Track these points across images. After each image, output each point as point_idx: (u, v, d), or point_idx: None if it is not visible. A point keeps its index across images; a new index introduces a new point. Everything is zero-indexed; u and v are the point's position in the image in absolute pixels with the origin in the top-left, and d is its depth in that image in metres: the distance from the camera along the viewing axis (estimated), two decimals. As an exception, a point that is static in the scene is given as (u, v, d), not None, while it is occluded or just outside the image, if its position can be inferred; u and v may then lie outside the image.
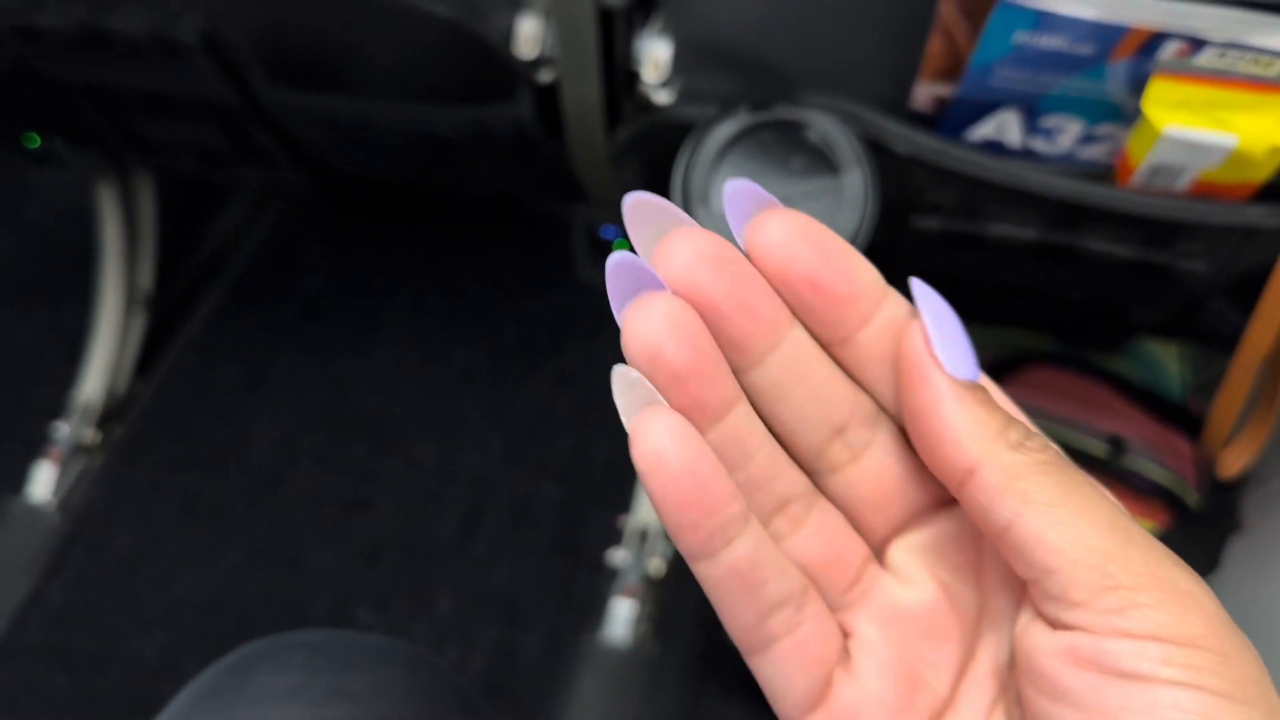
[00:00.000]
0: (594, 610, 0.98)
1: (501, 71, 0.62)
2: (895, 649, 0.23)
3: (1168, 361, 0.94)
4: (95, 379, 1.09)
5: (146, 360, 1.14)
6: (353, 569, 1.02)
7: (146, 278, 1.13)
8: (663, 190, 0.59)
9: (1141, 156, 0.50)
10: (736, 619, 0.22)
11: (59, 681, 0.96)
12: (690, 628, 0.96)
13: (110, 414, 1.10)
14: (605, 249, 0.84)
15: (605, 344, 1.17)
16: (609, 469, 1.08)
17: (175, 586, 1.01)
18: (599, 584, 1.00)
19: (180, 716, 0.38)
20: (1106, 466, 0.82)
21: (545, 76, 0.62)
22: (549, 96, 0.63)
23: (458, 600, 1.00)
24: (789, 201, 0.54)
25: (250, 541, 1.04)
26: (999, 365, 0.94)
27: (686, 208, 0.54)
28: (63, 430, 1.07)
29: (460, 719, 0.41)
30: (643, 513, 1.00)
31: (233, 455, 1.10)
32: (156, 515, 1.06)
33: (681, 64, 0.59)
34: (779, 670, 0.23)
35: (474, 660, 0.96)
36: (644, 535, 0.99)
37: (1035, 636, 0.21)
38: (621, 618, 0.96)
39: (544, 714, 0.93)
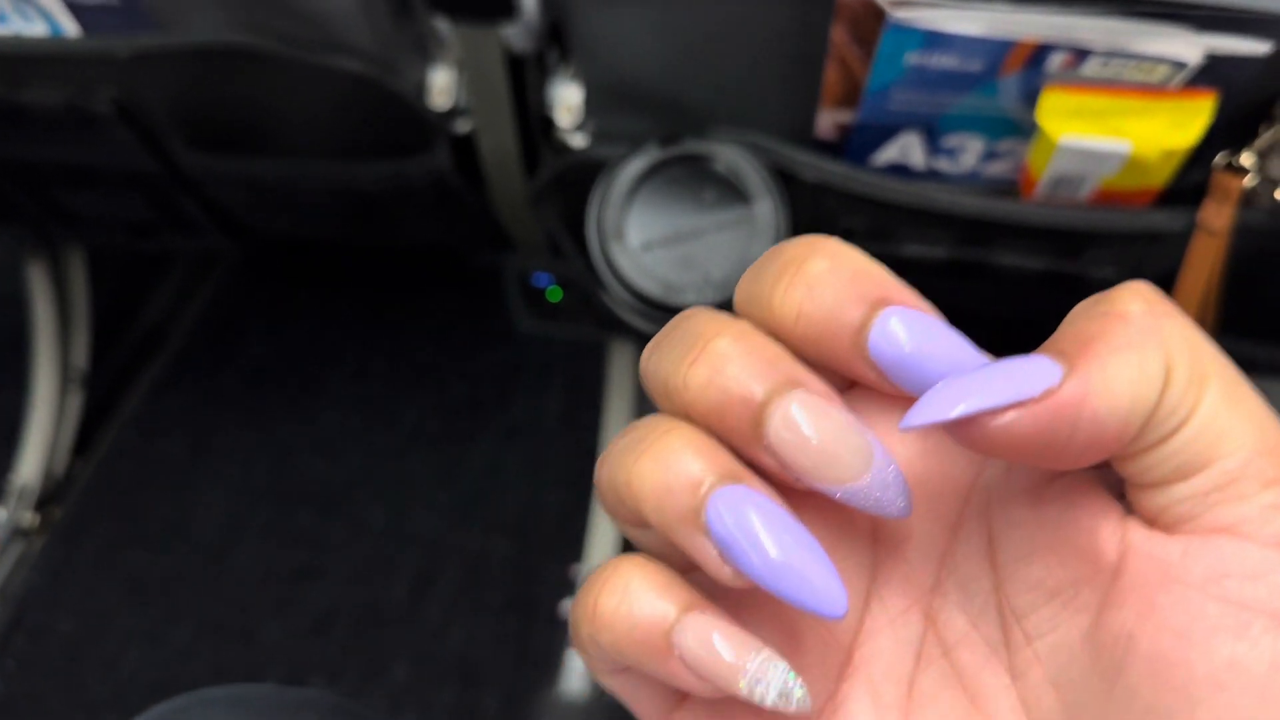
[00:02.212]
0: (551, 664, 0.97)
1: (417, 124, 0.62)
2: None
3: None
4: (32, 461, 1.07)
5: (85, 439, 1.13)
6: (304, 639, 1.00)
7: (81, 355, 1.12)
8: (579, 226, 0.60)
9: (1042, 169, 0.51)
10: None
11: (3, 775, 0.93)
12: (649, 675, 0.95)
13: (49, 495, 1.08)
14: (539, 297, 0.84)
15: (552, 396, 1.17)
16: (561, 520, 1.07)
17: (123, 668, 0.99)
18: (555, 638, 0.99)
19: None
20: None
21: (461, 127, 0.63)
22: (466, 146, 0.64)
23: (412, 665, 0.99)
24: (702, 233, 0.55)
25: (198, 617, 1.02)
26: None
27: (601, 245, 0.55)
28: (0, 515, 1.05)
29: None
30: (595, 560, 1.00)
31: (178, 531, 1.08)
32: (101, 596, 1.03)
33: (593, 106, 0.60)
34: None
35: (431, 724, 0.95)
36: (598, 584, 0.98)
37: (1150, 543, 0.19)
38: (578, 670, 0.95)
39: (505, 774, 0.91)
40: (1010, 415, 0.17)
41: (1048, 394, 0.17)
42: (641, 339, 0.84)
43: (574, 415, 1.14)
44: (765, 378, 0.19)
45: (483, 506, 1.09)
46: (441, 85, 0.61)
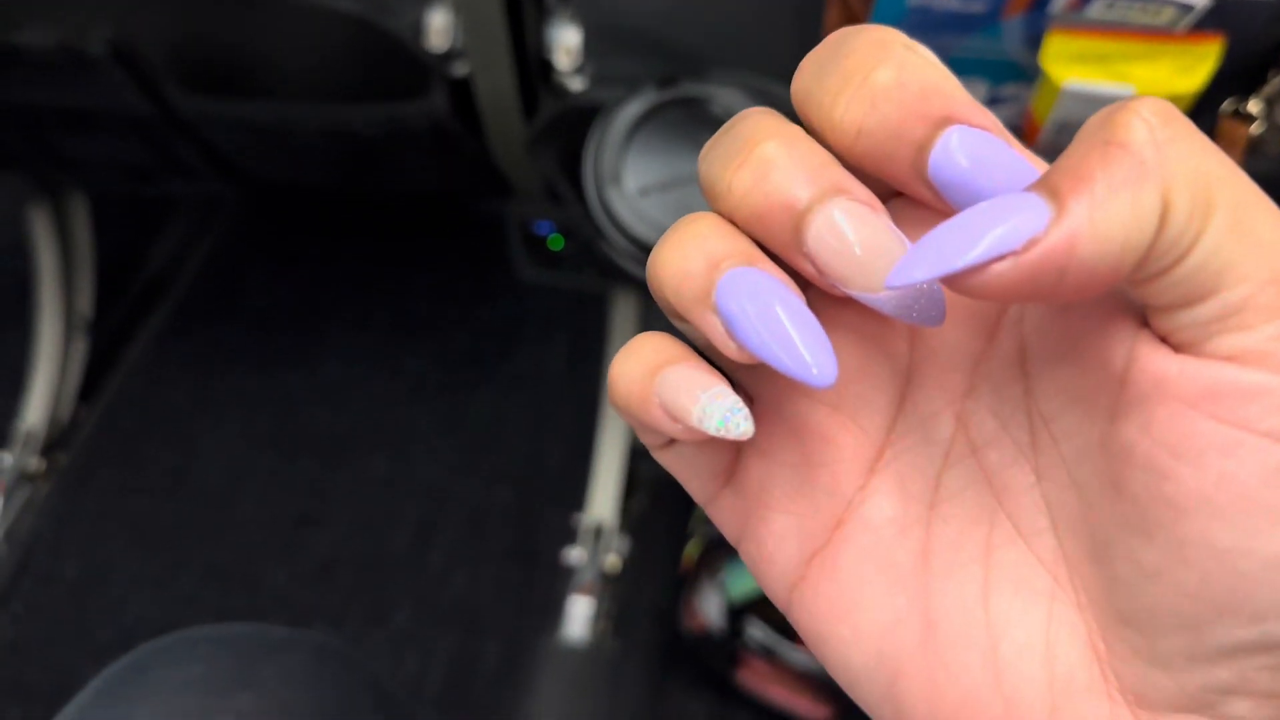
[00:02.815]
0: (552, 612, 0.98)
1: (414, 66, 0.61)
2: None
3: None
4: (38, 407, 1.07)
5: (90, 386, 1.13)
6: (307, 585, 1.01)
7: (85, 302, 1.12)
8: (578, 172, 0.59)
9: (1046, 114, 0.51)
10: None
11: (12, 716, 0.94)
12: (649, 623, 0.96)
13: (55, 442, 1.08)
14: (540, 245, 0.84)
15: (555, 347, 1.17)
16: (563, 470, 1.08)
17: (128, 614, 1.00)
18: (556, 585, 0.99)
19: (77, 713, 0.37)
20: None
21: (459, 69, 0.62)
22: (464, 90, 0.63)
23: (414, 611, 0.99)
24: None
25: (203, 564, 1.03)
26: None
27: (598, 190, 0.54)
28: (6, 460, 1.05)
29: (369, 704, 0.40)
30: (597, 509, 1.00)
31: (182, 478, 1.09)
32: (106, 542, 1.04)
33: (592, 49, 0.59)
34: None
35: (433, 670, 0.96)
36: (599, 532, 0.98)
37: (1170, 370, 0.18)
38: (579, 617, 0.96)
39: (505, 718, 0.92)
40: (994, 269, 0.17)
41: (1031, 243, 0.17)
42: (643, 288, 0.83)
43: (577, 366, 1.14)
44: (809, 184, 0.19)
45: (485, 456, 1.09)
46: (439, 26, 0.60)
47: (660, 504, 1.04)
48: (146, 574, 1.02)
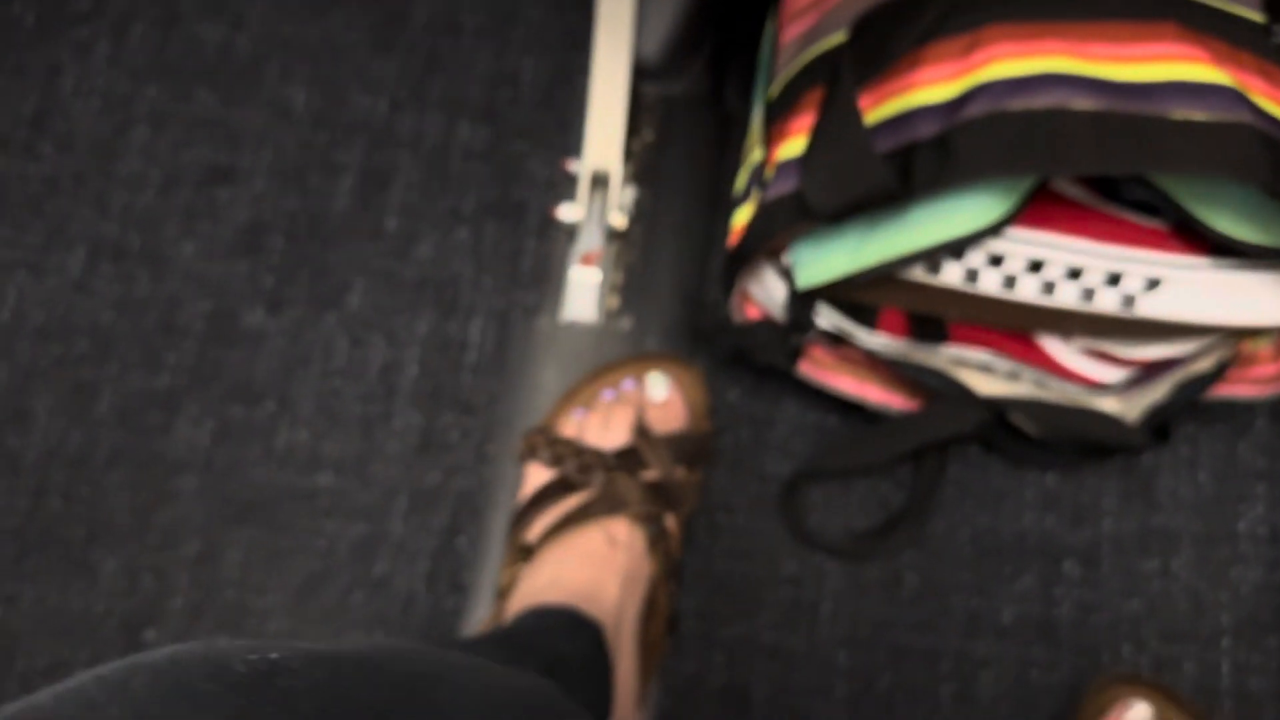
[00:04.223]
0: (548, 284, 0.77)
1: None
2: None
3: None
4: None
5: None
6: (228, 261, 0.79)
7: None
8: None
9: None
10: None
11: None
12: (669, 297, 0.76)
13: None
14: None
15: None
16: (544, 95, 0.83)
17: (1, 308, 0.78)
18: (550, 250, 0.78)
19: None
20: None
21: None
22: None
23: (371, 288, 0.79)
24: None
25: (89, 240, 0.80)
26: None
27: None
28: None
29: None
30: (595, 149, 0.76)
31: (42, 126, 0.83)
32: (-43, 218, 0.80)
33: None
34: None
35: (405, 363, 0.77)
36: (601, 181, 0.76)
37: None
38: (582, 288, 0.76)
39: (496, 415, 0.75)
40: None
41: None
42: None
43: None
44: None
45: (436, 79, 0.84)
46: None
47: (671, 138, 0.80)
48: (19, 258, 0.79)
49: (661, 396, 0.69)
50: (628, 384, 0.70)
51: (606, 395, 0.70)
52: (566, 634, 0.58)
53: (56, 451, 0.75)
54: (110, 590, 0.72)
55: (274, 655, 0.27)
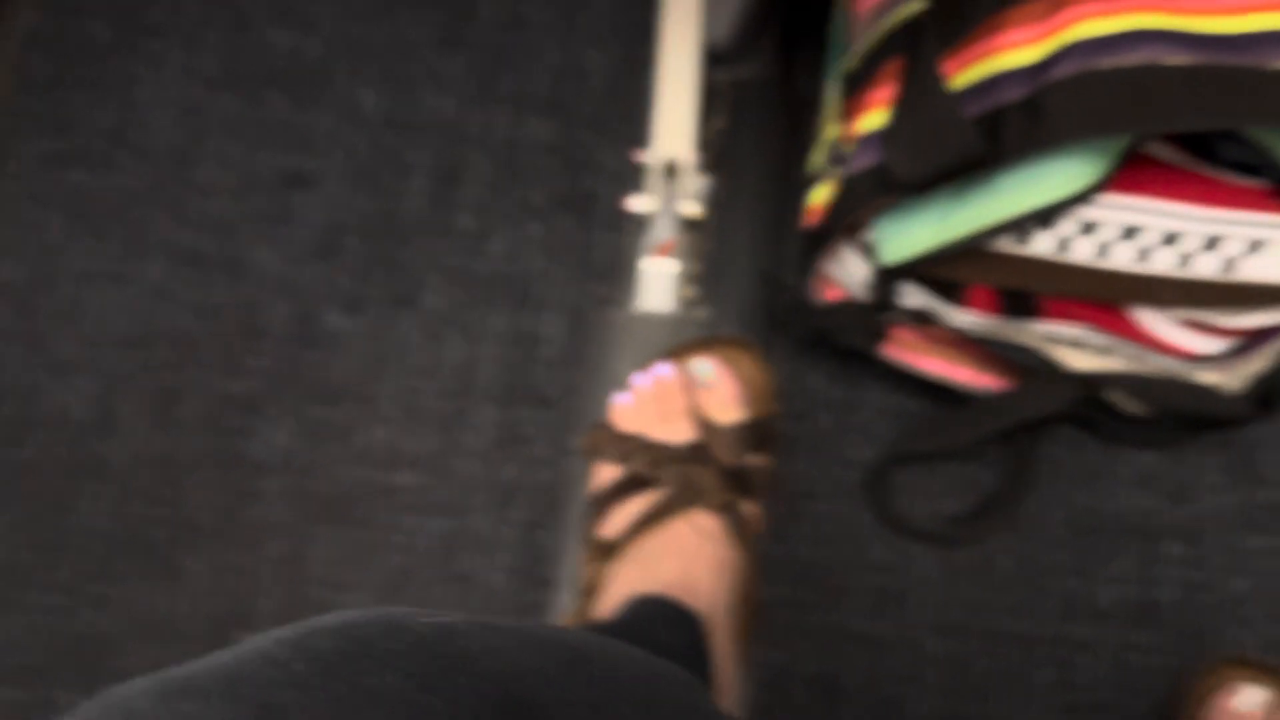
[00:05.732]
0: (621, 276, 0.77)
1: None
2: None
3: None
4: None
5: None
6: (304, 264, 0.80)
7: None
8: None
9: None
10: None
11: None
12: (747, 282, 0.76)
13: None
14: None
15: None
16: (610, 87, 0.82)
17: (85, 318, 0.79)
18: (621, 242, 0.78)
19: None
20: None
21: None
22: None
23: (447, 286, 0.79)
24: None
25: (167, 247, 0.81)
26: None
27: None
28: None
29: None
30: (666, 139, 0.76)
31: (120, 138, 0.84)
32: (42, 232, 0.82)
33: None
34: None
35: (480, 358, 0.77)
36: (671, 170, 0.75)
37: None
38: (657, 279, 0.75)
39: (572, 408, 0.74)
40: None
41: None
42: None
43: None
44: None
45: (502, 75, 0.84)
46: None
47: (743, 123, 0.79)
48: (98, 266, 0.81)
49: (707, 380, 0.68)
50: (663, 369, 0.68)
51: (638, 380, 0.69)
52: (669, 625, 0.57)
53: (141, 456, 0.76)
54: (197, 591, 0.73)
55: (446, 619, 0.27)
